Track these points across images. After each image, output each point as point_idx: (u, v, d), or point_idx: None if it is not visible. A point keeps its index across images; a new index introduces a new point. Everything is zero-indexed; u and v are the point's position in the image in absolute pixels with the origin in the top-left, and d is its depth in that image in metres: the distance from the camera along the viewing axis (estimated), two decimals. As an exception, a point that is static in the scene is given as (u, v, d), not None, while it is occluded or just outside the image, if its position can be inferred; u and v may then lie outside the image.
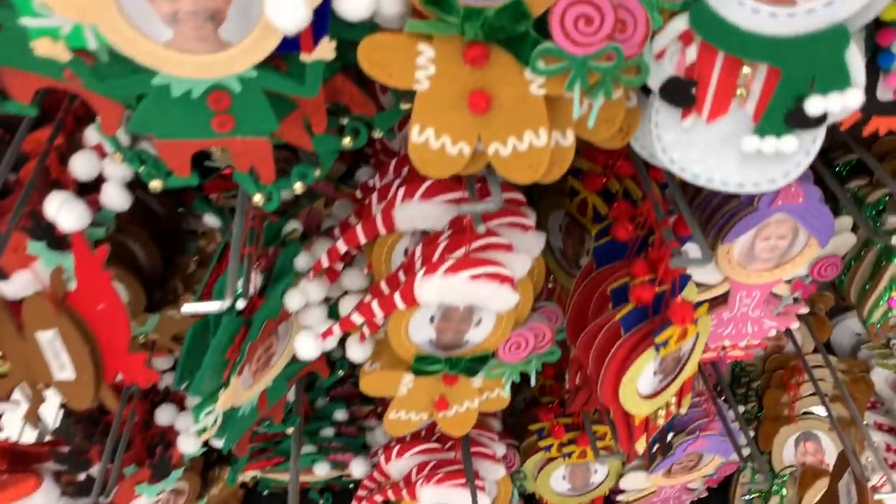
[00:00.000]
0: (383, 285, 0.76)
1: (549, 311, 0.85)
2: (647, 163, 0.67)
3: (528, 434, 1.16)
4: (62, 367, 0.80)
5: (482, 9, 0.50)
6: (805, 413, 1.31)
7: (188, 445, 1.03)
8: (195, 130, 0.57)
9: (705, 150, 0.59)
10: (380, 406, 1.24)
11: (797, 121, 0.54)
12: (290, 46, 0.53)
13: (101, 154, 0.79)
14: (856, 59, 0.51)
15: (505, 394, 0.88)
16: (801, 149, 0.57)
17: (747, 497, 1.33)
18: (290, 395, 1.07)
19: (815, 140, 0.57)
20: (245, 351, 0.76)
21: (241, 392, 0.82)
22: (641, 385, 0.79)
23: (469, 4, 0.50)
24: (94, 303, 0.75)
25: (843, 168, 0.96)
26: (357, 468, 1.13)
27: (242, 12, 0.50)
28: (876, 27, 0.58)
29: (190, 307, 0.67)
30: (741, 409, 1.29)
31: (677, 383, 0.84)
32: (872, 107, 0.64)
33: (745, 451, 1.08)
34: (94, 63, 0.53)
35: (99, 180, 0.79)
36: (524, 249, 0.76)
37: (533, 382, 0.88)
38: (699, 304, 0.78)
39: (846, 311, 1.41)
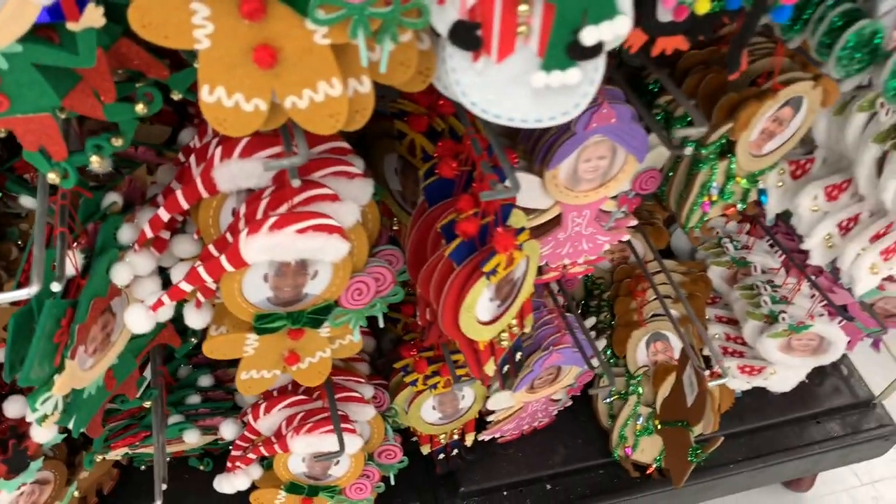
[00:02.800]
0: (212, 249, 0.74)
1: (388, 254, 0.86)
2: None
3: (394, 372, 1.19)
4: None
5: (251, -39, 0.49)
6: (653, 316, 1.41)
7: (42, 435, 0.99)
8: (-35, 112, 0.54)
9: (500, 90, 0.61)
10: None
11: (576, 52, 0.57)
12: (55, 16, 0.50)
13: None
14: (621, -14, 0.54)
15: (356, 339, 0.90)
16: (585, 79, 0.60)
17: (607, 400, 1.42)
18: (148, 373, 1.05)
19: (597, 69, 0.60)
20: (74, 333, 0.74)
21: (80, 374, 0.79)
22: (480, 312, 0.83)
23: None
24: None
25: (654, 86, 1.01)
26: (227, 430, 1.13)
27: (-9, -18, 0.47)
28: (645, -48, 0.61)
29: (2, 296, 0.64)
30: (593, 320, 1.37)
31: (515, 307, 0.89)
32: (655, 28, 0.68)
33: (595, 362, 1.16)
34: None
35: None
36: (352, 197, 0.76)
37: (382, 324, 0.90)
38: (522, 230, 0.81)
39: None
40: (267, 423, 1.08)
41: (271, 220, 0.69)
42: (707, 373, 1.21)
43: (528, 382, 1.23)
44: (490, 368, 0.92)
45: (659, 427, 1.33)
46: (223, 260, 0.71)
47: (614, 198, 1.02)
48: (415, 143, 0.88)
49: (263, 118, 0.58)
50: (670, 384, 1.36)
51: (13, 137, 0.82)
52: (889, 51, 0.66)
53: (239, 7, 0.52)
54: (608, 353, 1.41)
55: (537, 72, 0.58)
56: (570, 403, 1.44)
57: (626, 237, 1.07)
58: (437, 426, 1.25)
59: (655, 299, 1.40)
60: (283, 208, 0.71)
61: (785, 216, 1.13)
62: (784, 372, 1.39)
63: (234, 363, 1.21)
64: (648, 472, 1.41)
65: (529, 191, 0.94)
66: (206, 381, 1.17)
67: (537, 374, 1.22)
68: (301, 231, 0.70)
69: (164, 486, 0.96)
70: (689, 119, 0.95)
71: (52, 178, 0.62)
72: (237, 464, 1.10)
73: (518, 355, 1.01)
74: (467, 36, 0.57)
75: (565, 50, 0.57)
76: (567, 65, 0.58)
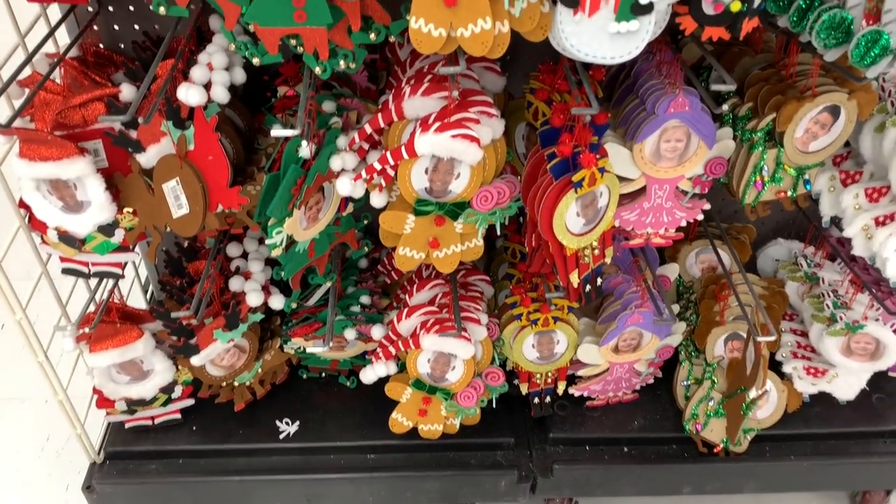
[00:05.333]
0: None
1: (510, 179, 1.22)
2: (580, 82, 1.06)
3: (505, 309, 1.52)
4: (180, 206, 1.19)
5: (450, -58, 0.90)
6: (734, 319, 1.65)
7: (254, 299, 1.41)
8: (284, 20, 0.97)
9: (590, 35, 0.97)
10: (394, 302, 1.61)
11: (636, 9, 0.93)
12: (340, -33, 0.93)
13: (210, 69, 1.19)
14: (663, -31, 0.90)
15: (479, 242, 1.25)
16: (642, 28, 0.95)
17: (685, 382, 1.65)
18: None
19: (650, 23, 0.95)
20: (303, 191, 1.15)
21: (300, 229, 1.20)
22: (570, 222, 1.16)
23: (442, -59, 0.90)
24: (206, 155, 1.14)
25: (725, 95, 1.33)
26: (377, 331, 1.49)
27: (316, -57, 0.90)
28: (690, -38, 0.97)
29: (276, 132, 1.06)
30: (677, 307, 1.63)
31: (598, 229, 1.21)
32: (703, 19, 1.03)
33: (668, 316, 1.43)
34: (230, -25, 0.93)
35: (207, 88, 1.19)
36: (489, 126, 1.14)
37: (499, 233, 1.25)
38: (604, 157, 1.15)
39: (766, 242, 1.77)
40: (406, 325, 1.44)
41: (437, 125, 1.08)
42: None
43: (613, 338, 1.51)
44: (575, 278, 1.23)
45: (724, 402, 1.55)
46: (402, 149, 1.11)
47: (690, 179, 1.33)
48: (538, 109, 1.25)
49: (443, 42, 0.97)
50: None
51: (262, 95, 1.28)
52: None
53: (440, -31, 0.92)
54: (691, 344, 1.66)
55: (612, 22, 0.95)
56: (651, 381, 1.68)
57: (699, 216, 1.37)
58: (535, 364, 1.54)
59: (737, 305, 1.65)
60: (445, 120, 1.10)
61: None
62: (846, 377, 1.58)
63: (387, 296, 1.60)
64: (716, 450, 1.61)
65: (621, 161, 1.27)
66: (366, 299, 1.55)
67: (621, 332, 1.50)
68: (454, 136, 1.08)
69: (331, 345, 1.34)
70: (749, 115, 1.27)
71: (318, 70, 1.04)
72: (380, 354, 1.46)
73: (599, 280, 1.31)
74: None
75: (630, 7, 0.93)
76: (631, 17, 0.94)
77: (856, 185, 1.30)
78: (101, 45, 1.43)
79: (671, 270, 1.65)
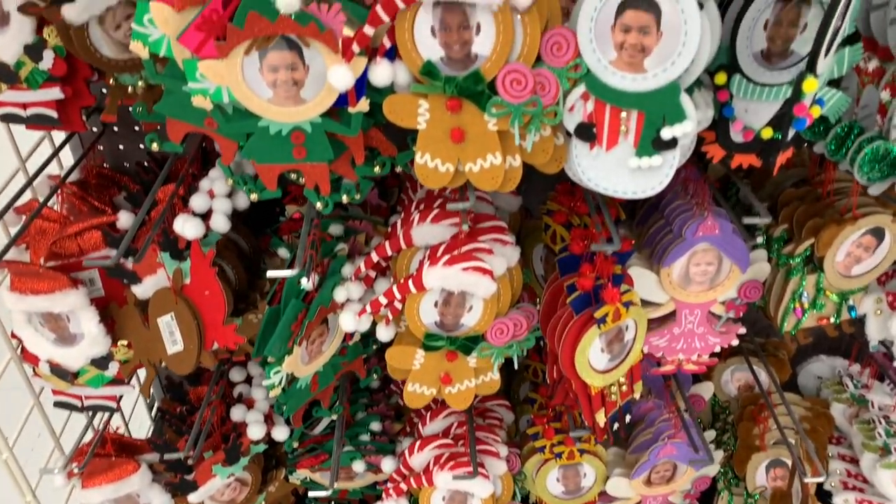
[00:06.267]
0: (403, 280, 1.07)
1: (527, 309, 1.13)
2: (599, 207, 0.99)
3: (525, 439, 1.41)
4: (174, 342, 1.12)
5: (456, 76, 0.84)
6: (775, 443, 1.52)
7: (256, 431, 1.32)
8: (282, 157, 0.91)
9: (608, 170, 0.90)
10: (407, 427, 1.51)
11: (659, 145, 0.85)
12: (342, 102, 0.87)
13: (211, 196, 1.14)
14: (687, 103, 0.83)
15: (495, 376, 1.16)
16: (665, 163, 0.87)
17: (726, 516, 1.52)
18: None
19: (675, 157, 0.87)
20: (304, 327, 1.07)
21: (300, 365, 1.12)
22: (593, 359, 1.06)
23: (448, 74, 0.84)
24: (202, 290, 1.08)
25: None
26: (387, 464, 1.39)
27: (314, 80, 0.85)
28: (716, 90, 0.90)
29: (272, 273, 0.99)
30: (713, 433, 1.51)
31: (625, 365, 1.11)
32: (732, 146, 0.95)
33: (703, 455, 1.31)
34: (224, 112, 0.88)
35: (208, 215, 1.13)
36: (503, 255, 1.06)
37: (516, 366, 1.15)
38: (628, 291, 1.06)
39: (808, 358, 1.65)
40: (418, 459, 1.33)
41: (446, 258, 1.01)
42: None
43: (645, 471, 1.39)
44: (601, 418, 1.13)
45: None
46: (410, 283, 1.03)
47: (723, 302, 1.24)
48: (556, 233, 1.18)
49: (451, 177, 0.91)
50: (787, 509, 1.45)
51: (271, 212, 1.22)
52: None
53: (446, 104, 0.86)
54: (729, 471, 1.53)
55: (633, 157, 0.87)
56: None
57: (734, 342, 1.27)
58: (560, 499, 1.42)
59: (777, 428, 1.52)
60: (455, 252, 1.02)
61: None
62: (904, 512, 1.43)
63: (399, 420, 1.50)
64: None
65: (647, 286, 1.19)
66: (376, 426, 1.45)
67: (654, 464, 1.38)
68: (465, 269, 1.01)
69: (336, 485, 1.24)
70: (785, 237, 1.18)
71: (319, 206, 0.98)
72: (391, 490, 1.35)
73: (627, 417, 1.20)
74: (587, 132, 0.88)
75: (652, 143, 0.86)
76: (653, 153, 0.86)
77: (905, 311, 1.19)
78: (106, 165, 1.40)
79: (705, 390, 1.53)
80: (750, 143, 0.94)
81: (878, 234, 1.14)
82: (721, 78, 0.88)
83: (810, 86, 0.76)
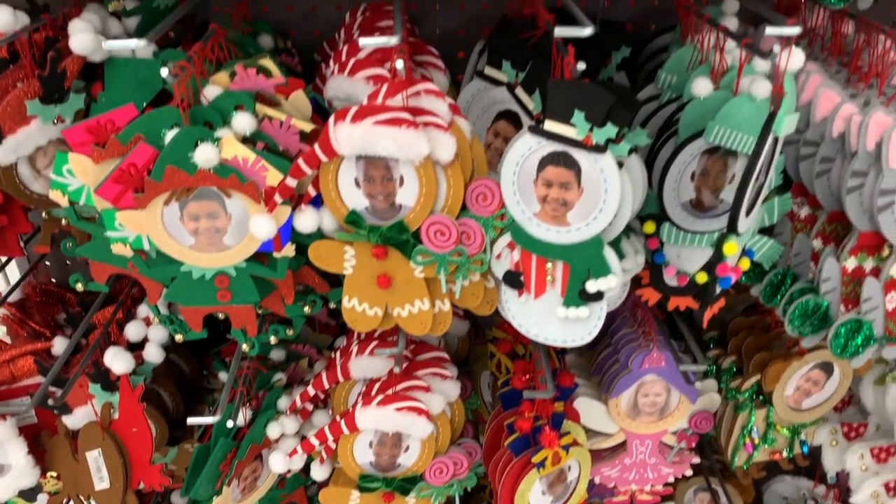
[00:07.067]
0: (338, 418, 1.03)
1: (468, 446, 1.10)
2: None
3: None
4: (101, 479, 1.07)
5: (380, 226, 0.83)
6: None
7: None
8: (206, 300, 0.89)
9: (537, 317, 0.88)
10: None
11: (585, 297, 0.84)
12: (267, 247, 0.86)
13: (147, 324, 1.12)
14: (611, 256, 0.82)
15: (436, 515, 1.11)
16: (593, 315, 0.86)
17: None
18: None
19: (602, 309, 0.86)
20: (234, 466, 1.03)
21: (231, 503, 1.07)
22: (534, 502, 1.02)
23: (372, 223, 0.83)
24: (129, 427, 1.04)
25: (709, 341, 1.22)
26: None
27: (238, 227, 0.84)
28: (647, 238, 0.89)
29: (193, 420, 0.95)
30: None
31: (569, 506, 1.07)
32: (667, 290, 0.94)
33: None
34: (146, 258, 0.87)
35: (144, 342, 1.11)
36: (442, 392, 1.03)
37: (458, 505, 1.11)
38: (567, 434, 1.02)
39: (773, 477, 1.60)
40: None
41: (379, 398, 0.98)
42: None
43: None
44: (545, 560, 1.08)
45: None
46: (342, 424, 1.00)
47: (674, 433, 1.20)
48: (501, 362, 1.15)
49: (379, 321, 0.89)
50: None
51: (217, 333, 1.19)
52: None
53: (371, 252, 0.85)
54: None
55: (560, 307, 0.86)
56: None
57: (688, 472, 1.23)
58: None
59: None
60: (390, 391, 1.00)
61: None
62: None
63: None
64: None
65: (596, 416, 1.16)
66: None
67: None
68: (399, 409, 0.98)
69: None
70: (734, 368, 1.16)
71: (245, 347, 0.95)
72: None
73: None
74: (514, 280, 0.87)
75: (578, 294, 0.84)
76: (579, 304, 0.85)
77: (861, 443, 1.16)
78: (53, 280, 1.38)
79: (667, 512, 1.48)
80: (685, 286, 0.92)
81: (827, 368, 1.11)
82: (649, 227, 0.88)
83: (730, 249, 0.75)
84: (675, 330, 1.20)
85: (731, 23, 0.93)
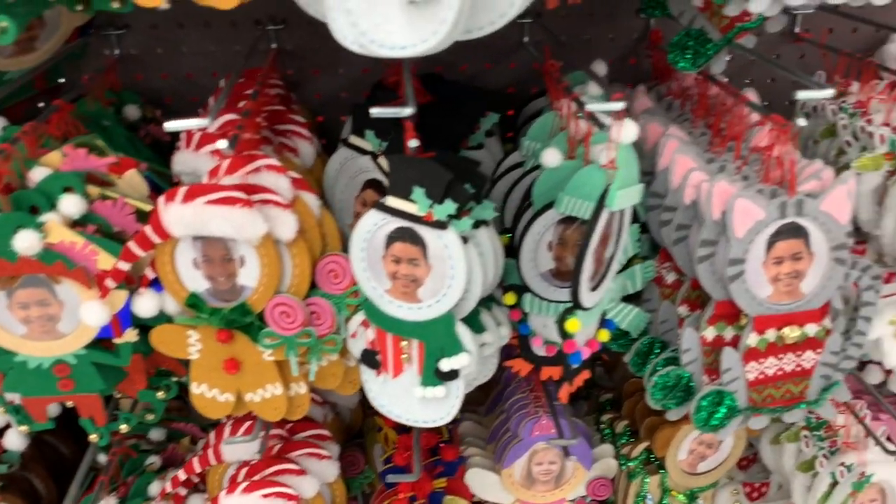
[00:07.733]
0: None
1: (352, 526, 1.05)
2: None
3: None
4: (-47, 580, 1.00)
5: (222, 308, 0.79)
6: None
7: None
8: (47, 390, 0.84)
9: (397, 396, 0.84)
10: None
11: (441, 375, 0.80)
12: (107, 333, 0.81)
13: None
14: (464, 334, 0.79)
15: None
16: (451, 394, 0.82)
17: None
18: None
19: (459, 387, 0.82)
20: (95, 562, 0.96)
21: None
22: (415, 588, 0.98)
23: (214, 306, 0.79)
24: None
25: (605, 403, 1.20)
26: None
27: (71, 315, 0.79)
28: (510, 309, 0.87)
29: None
30: None
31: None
32: (538, 360, 0.91)
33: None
34: (-23, 348, 0.82)
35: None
36: (318, 473, 0.98)
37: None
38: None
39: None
40: None
41: (244, 484, 0.93)
42: None
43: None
44: None
45: None
46: (208, 513, 0.94)
47: (572, 502, 1.16)
48: (387, 435, 1.11)
49: (231, 407, 0.84)
50: None
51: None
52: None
53: (216, 335, 0.81)
54: None
55: (418, 387, 0.82)
56: None
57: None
58: None
59: None
60: (257, 476, 0.95)
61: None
62: None
63: None
64: None
65: (489, 487, 1.12)
66: None
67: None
68: (265, 496, 0.92)
69: None
70: (628, 432, 1.13)
71: (93, 438, 0.90)
72: None
73: None
74: (371, 359, 0.83)
75: (433, 373, 0.81)
76: (436, 383, 0.81)
77: (762, 505, 1.13)
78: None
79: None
80: (555, 356, 0.89)
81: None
82: (510, 298, 0.85)
83: (573, 326, 0.72)
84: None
85: (594, 89, 0.91)
